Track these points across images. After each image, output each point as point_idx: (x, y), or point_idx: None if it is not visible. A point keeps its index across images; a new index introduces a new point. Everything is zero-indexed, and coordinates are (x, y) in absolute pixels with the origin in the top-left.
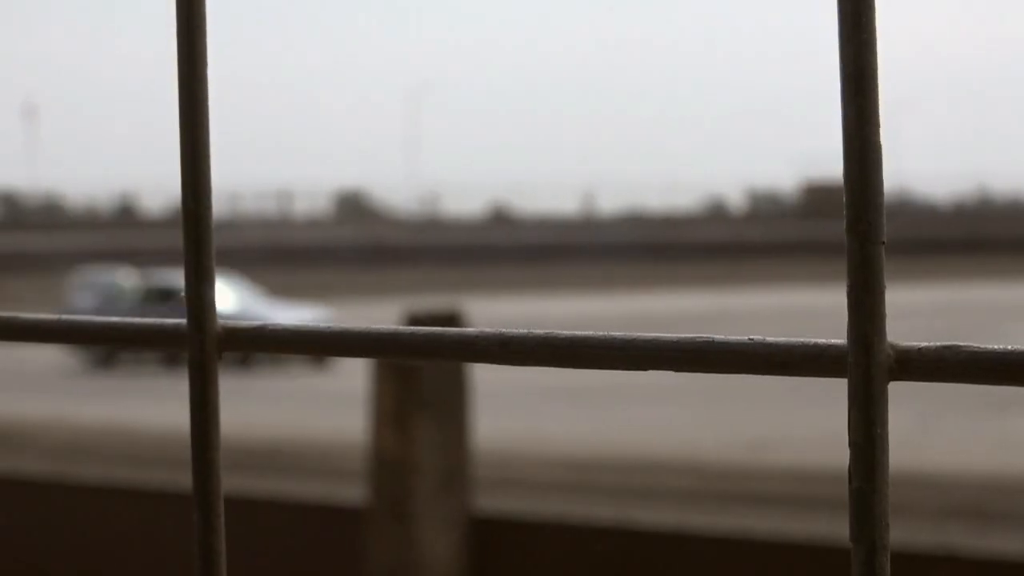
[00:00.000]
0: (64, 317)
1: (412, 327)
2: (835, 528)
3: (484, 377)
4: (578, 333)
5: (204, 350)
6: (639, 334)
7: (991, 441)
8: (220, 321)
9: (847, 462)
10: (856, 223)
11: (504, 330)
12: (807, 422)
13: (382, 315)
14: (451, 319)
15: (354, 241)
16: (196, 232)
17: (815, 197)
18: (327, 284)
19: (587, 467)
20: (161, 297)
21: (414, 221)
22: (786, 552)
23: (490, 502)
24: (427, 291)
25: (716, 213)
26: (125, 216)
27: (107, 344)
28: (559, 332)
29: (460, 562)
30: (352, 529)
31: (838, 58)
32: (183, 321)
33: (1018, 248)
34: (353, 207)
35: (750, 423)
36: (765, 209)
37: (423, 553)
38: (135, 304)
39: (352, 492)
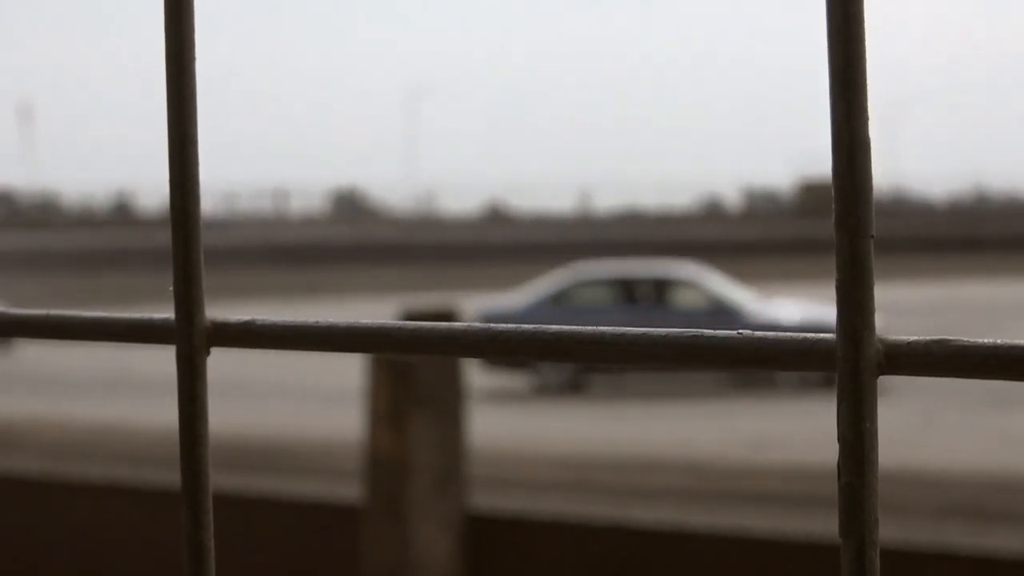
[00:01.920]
0: (52, 312)
1: (400, 322)
2: (834, 526)
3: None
4: (566, 327)
5: (192, 344)
6: (628, 328)
7: (990, 439)
8: (208, 316)
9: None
10: (845, 217)
11: (492, 324)
12: (807, 420)
13: (379, 313)
14: (447, 317)
15: (350, 239)
16: (184, 227)
17: (812, 195)
18: (323, 283)
19: (584, 466)
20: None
21: (410, 219)
22: (785, 550)
23: (486, 501)
24: (424, 289)
25: (712, 212)
26: (121, 215)
27: (96, 339)
28: (547, 326)
29: (456, 561)
30: (348, 528)
31: (826, 52)
32: (171, 316)
33: (1015, 246)
34: (349, 206)
35: (750, 421)
36: (762, 208)
37: (419, 552)
38: (607, 303)
39: (348, 491)
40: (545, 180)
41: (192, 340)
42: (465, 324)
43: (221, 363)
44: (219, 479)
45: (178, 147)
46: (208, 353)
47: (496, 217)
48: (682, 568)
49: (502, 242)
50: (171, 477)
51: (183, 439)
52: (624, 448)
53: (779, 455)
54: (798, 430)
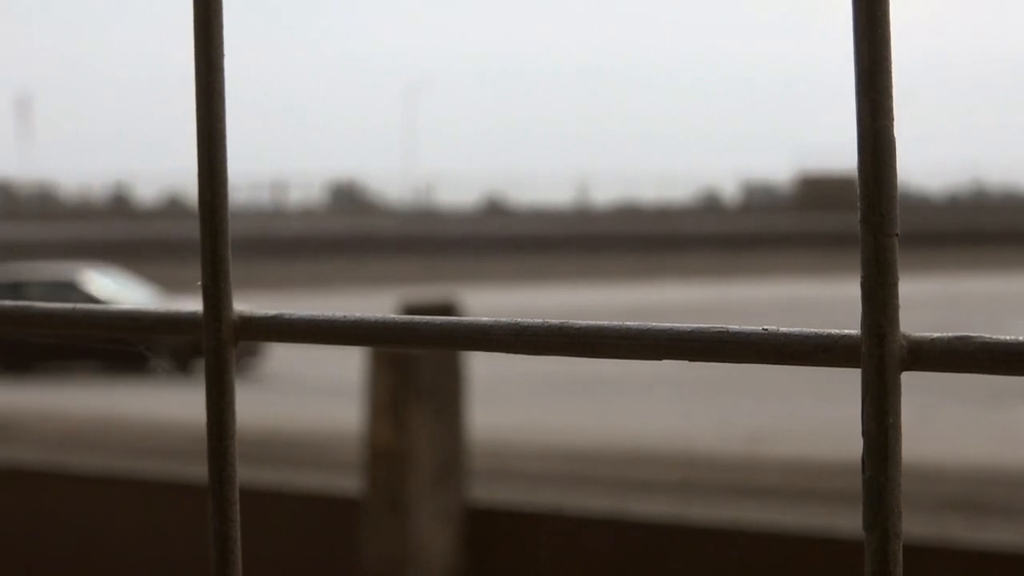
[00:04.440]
0: (79, 306)
1: (427, 316)
2: (833, 520)
3: (480, 368)
4: (592, 323)
5: (220, 338)
6: (653, 323)
7: (990, 433)
8: (236, 309)
9: (845, 454)
10: (870, 215)
11: (519, 319)
12: (806, 414)
13: (377, 306)
14: (446, 310)
15: (349, 232)
16: (212, 222)
17: (810, 189)
18: (321, 275)
19: (584, 458)
20: None
21: (409, 212)
22: (783, 544)
23: (486, 493)
24: (422, 282)
25: (711, 205)
26: (119, 206)
27: (124, 333)
28: (574, 321)
29: (456, 553)
30: (348, 520)
31: (853, 51)
32: (199, 310)
33: (1013, 240)
34: (348, 197)
35: (749, 415)
36: (760, 201)
37: (419, 544)
38: None
39: (348, 483)
40: (543, 173)
41: (220, 334)
42: (492, 319)
43: None
44: None
45: (207, 143)
46: (236, 347)
47: (494, 210)
48: (680, 561)
49: (500, 235)
50: (177, 470)
51: (211, 432)
52: (623, 441)
53: (777, 449)
54: (796, 424)
